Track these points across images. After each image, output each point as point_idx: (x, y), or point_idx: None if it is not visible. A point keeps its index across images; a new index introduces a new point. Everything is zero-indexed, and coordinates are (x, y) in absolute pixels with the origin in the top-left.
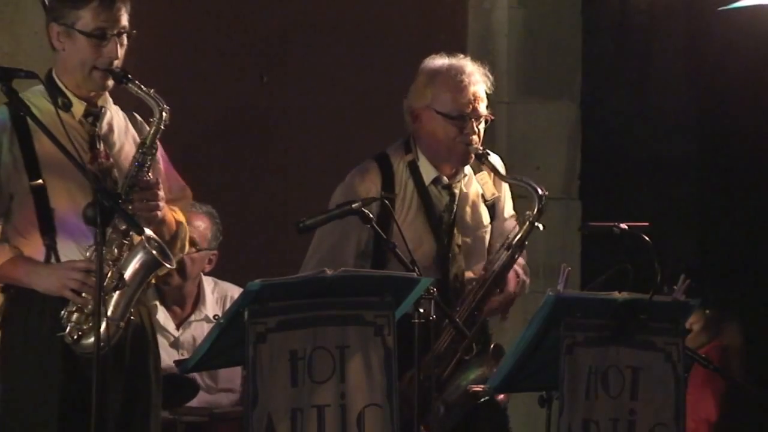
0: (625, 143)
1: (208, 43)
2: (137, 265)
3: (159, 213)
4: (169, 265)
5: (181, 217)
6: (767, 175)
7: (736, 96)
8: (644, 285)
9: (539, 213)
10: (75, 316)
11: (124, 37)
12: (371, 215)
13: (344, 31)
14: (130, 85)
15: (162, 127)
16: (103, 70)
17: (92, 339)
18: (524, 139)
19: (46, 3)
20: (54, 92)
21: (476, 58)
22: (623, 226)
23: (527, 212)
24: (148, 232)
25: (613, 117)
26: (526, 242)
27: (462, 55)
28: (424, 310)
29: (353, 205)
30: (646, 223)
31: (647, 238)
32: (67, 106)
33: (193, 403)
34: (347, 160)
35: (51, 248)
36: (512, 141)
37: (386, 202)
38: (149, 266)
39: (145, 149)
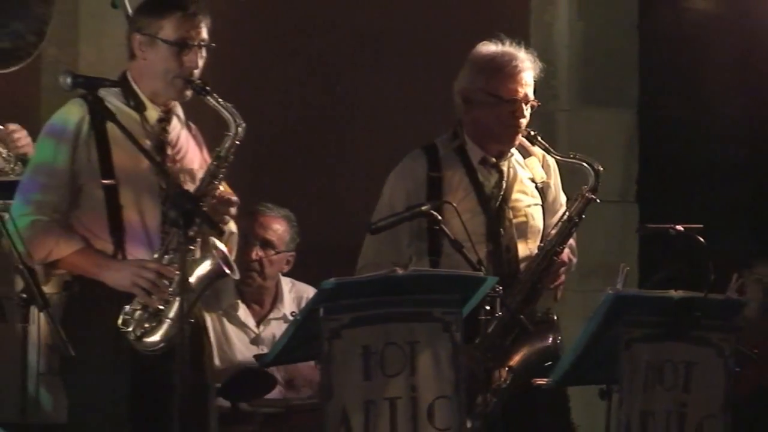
0: (680, 148)
1: (284, 47)
2: (203, 272)
3: (226, 217)
4: (233, 275)
5: (231, 226)
6: None
7: None
8: (698, 284)
9: (595, 186)
10: (138, 313)
11: (204, 50)
12: (440, 217)
13: (410, 42)
14: (208, 97)
15: (237, 142)
16: (184, 80)
17: (154, 337)
18: (584, 145)
19: (130, 14)
20: (129, 96)
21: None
22: (678, 227)
23: (583, 186)
24: (214, 240)
25: (668, 123)
26: (584, 215)
27: (511, 42)
28: (491, 308)
29: (423, 207)
30: (700, 225)
31: (701, 239)
32: (141, 110)
33: (271, 395)
34: None
35: (119, 246)
36: (573, 146)
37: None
38: (214, 274)
39: (219, 162)
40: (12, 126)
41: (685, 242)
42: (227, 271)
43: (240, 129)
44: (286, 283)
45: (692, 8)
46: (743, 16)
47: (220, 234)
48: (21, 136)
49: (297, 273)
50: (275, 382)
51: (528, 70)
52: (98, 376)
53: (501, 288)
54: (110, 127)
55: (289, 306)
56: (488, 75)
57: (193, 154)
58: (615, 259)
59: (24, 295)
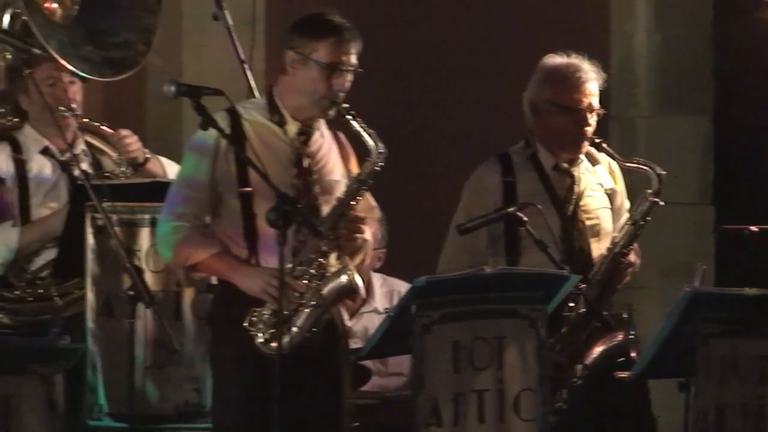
0: (754, 153)
1: (378, 55)
2: (334, 287)
3: (359, 238)
4: (362, 294)
5: (367, 234)
6: None
7: None
8: None
9: (658, 190)
10: (266, 317)
11: (352, 74)
12: (525, 218)
13: (493, 53)
14: (354, 122)
15: (377, 168)
16: (330, 100)
17: (277, 344)
18: (662, 150)
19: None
20: (273, 110)
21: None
22: (753, 228)
23: (647, 190)
24: (348, 261)
25: (742, 129)
26: (648, 217)
27: (576, 54)
28: (574, 305)
29: (509, 209)
30: None
31: None
32: (282, 124)
33: (366, 387)
34: None
35: (252, 252)
36: (651, 152)
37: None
38: (344, 291)
39: (359, 184)
40: (123, 131)
41: (759, 242)
42: (356, 290)
43: (381, 154)
44: (377, 278)
45: (765, 19)
46: None
47: (317, 235)
48: (132, 141)
49: (386, 269)
50: (370, 375)
51: (592, 80)
52: (237, 373)
53: (583, 285)
54: (247, 138)
55: (380, 300)
56: (554, 86)
57: (333, 166)
58: (692, 258)
59: (131, 293)
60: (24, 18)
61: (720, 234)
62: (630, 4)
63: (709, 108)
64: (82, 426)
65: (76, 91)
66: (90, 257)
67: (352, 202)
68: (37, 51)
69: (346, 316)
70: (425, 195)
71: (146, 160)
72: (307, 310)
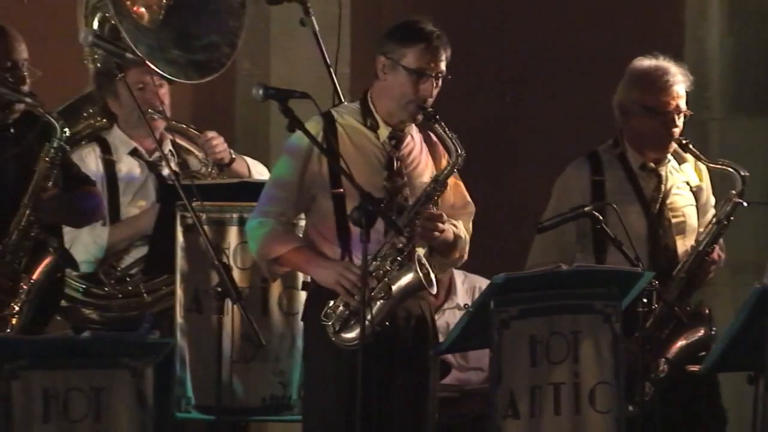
0: None
1: (465, 63)
2: (404, 283)
3: (439, 236)
4: (432, 291)
5: (460, 231)
6: None
7: None
8: None
9: (742, 191)
10: (339, 310)
11: (440, 80)
12: (601, 217)
13: (572, 57)
14: (437, 125)
15: (456, 170)
16: (417, 105)
17: (351, 334)
18: (734, 151)
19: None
20: (366, 114)
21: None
22: None
23: (731, 191)
24: (420, 255)
25: None
26: (732, 217)
27: (665, 57)
28: (647, 301)
29: (585, 208)
30: None
31: None
32: (374, 128)
33: (446, 380)
34: None
35: (345, 250)
36: (723, 152)
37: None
38: (415, 287)
39: (436, 185)
40: (210, 133)
41: None
42: (426, 286)
43: (460, 159)
44: (458, 275)
45: None
46: None
47: (399, 233)
48: (218, 142)
49: (469, 266)
50: (450, 369)
51: (680, 83)
52: (328, 366)
53: (657, 282)
54: (341, 141)
55: (462, 296)
56: (642, 88)
57: (423, 168)
58: (763, 256)
59: (219, 289)
60: (113, 22)
61: None
62: (704, 9)
63: None
64: (171, 418)
65: (164, 93)
66: (180, 255)
67: (429, 203)
68: (129, 55)
69: None
70: (510, 192)
71: (232, 160)
72: (378, 304)
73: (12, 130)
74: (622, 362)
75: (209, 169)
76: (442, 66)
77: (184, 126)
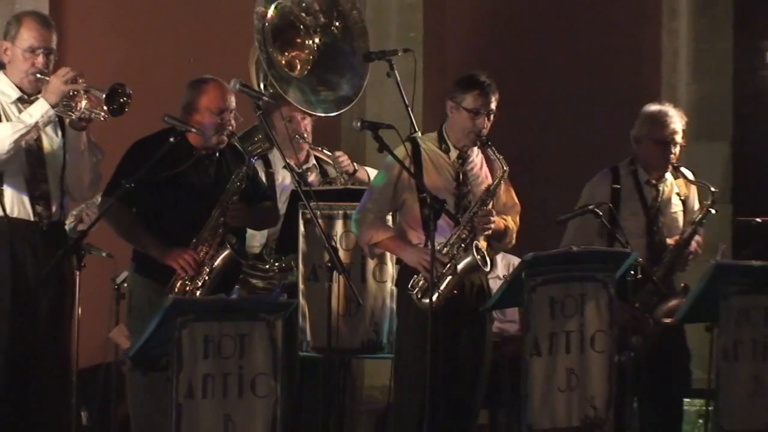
0: (761, 165)
1: (521, 92)
2: (465, 264)
3: (491, 228)
4: (486, 269)
5: (510, 223)
6: None
7: None
8: None
9: (713, 202)
10: (420, 282)
11: (491, 116)
12: (601, 213)
13: (582, 103)
14: (489, 149)
15: (501, 182)
16: (475, 134)
17: (427, 301)
18: (698, 167)
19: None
20: (441, 140)
21: None
22: (758, 219)
23: (705, 202)
24: (477, 244)
25: (755, 150)
26: (704, 221)
27: (669, 104)
28: (634, 273)
29: (589, 207)
30: None
31: None
32: (447, 150)
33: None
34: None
35: (429, 238)
36: (690, 169)
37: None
38: (473, 267)
39: (488, 192)
40: (338, 152)
41: (764, 229)
42: (482, 266)
43: (505, 173)
44: (501, 256)
45: None
46: None
47: (457, 223)
48: (344, 159)
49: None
50: (492, 321)
51: (677, 123)
52: (413, 318)
53: (641, 260)
54: (424, 159)
55: (501, 269)
56: (650, 126)
57: (482, 180)
58: (718, 241)
59: (329, 264)
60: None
61: (736, 223)
62: (675, 64)
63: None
64: (294, 356)
65: (307, 124)
66: (301, 240)
67: (483, 206)
68: (265, 98)
69: None
70: (542, 193)
71: (355, 170)
72: (447, 279)
73: (217, 155)
74: (615, 317)
75: (341, 177)
76: (492, 106)
77: (320, 148)
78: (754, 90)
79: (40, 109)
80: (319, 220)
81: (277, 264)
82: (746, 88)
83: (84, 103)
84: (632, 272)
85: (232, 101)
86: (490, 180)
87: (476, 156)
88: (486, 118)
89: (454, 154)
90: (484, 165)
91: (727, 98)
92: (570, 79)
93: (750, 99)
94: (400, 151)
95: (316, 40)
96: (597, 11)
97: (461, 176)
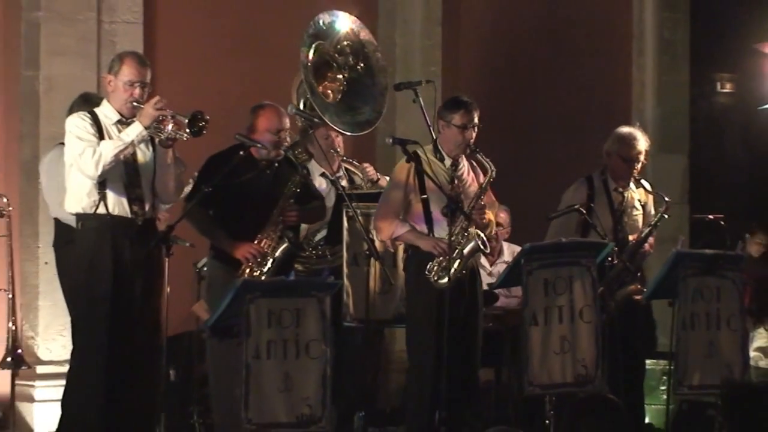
0: (711, 173)
1: (495, 117)
2: (469, 249)
3: (486, 219)
4: (486, 250)
5: (491, 216)
6: None
7: None
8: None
9: (666, 209)
10: (436, 267)
11: (476, 128)
12: (584, 211)
13: (561, 121)
14: (478, 155)
15: (491, 180)
16: (465, 145)
17: (443, 281)
18: (661, 175)
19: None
20: (436, 151)
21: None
22: (710, 216)
23: (659, 208)
24: (477, 231)
25: (707, 160)
26: (658, 225)
27: (637, 127)
28: (610, 260)
29: (575, 206)
30: (722, 215)
31: (722, 222)
32: (441, 159)
33: (497, 304)
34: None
35: (430, 230)
36: (656, 176)
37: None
38: (475, 250)
39: (481, 192)
40: (365, 164)
41: (715, 224)
42: (483, 249)
43: (493, 173)
44: (506, 245)
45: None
46: None
47: (467, 218)
48: (370, 169)
49: (511, 239)
50: (497, 297)
51: (642, 143)
52: (422, 296)
53: (617, 249)
54: (425, 167)
55: (506, 256)
56: (620, 145)
57: (470, 182)
58: (677, 234)
59: (367, 252)
60: (309, 101)
61: (692, 220)
62: (643, 91)
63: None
64: (340, 325)
65: (339, 141)
66: (345, 233)
67: (480, 201)
68: (316, 120)
69: (488, 264)
70: (537, 196)
71: (378, 178)
72: (457, 261)
73: (276, 165)
74: (596, 294)
75: (365, 185)
76: (476, 120)
77: (351, 160)
78: (706, 113)
79: (135, 130)
80: (359, 218)
81: (314, 251)
82: (700, 111)
83: (170, 126)
84: (609, 259)
85: (287, 122)
86: (476, 182)
87: (464, 163)
88: (472, 131)
89: (448, 162)
90: (470, 170)
91: (684, 119)
92: (558, 103)
93: (703, 120)
94: (404, 165)
95: (345, 75)
96: (580, 50)
97: (454, 180)
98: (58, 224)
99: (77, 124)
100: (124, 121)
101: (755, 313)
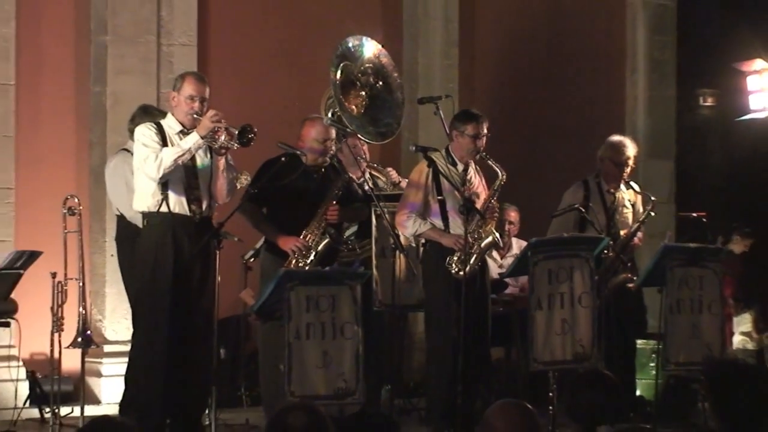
0: (695, 178)
1: (501, 125)
2: (486, 243)
3: (496, 217)
4: (500, 245)
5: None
6: None
7: None
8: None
9: (653, 207)
10: (455, 259)
11: (485, 137)
12: (583, 210)
13: (564, 129)
14: (488, 161)
15: (502, 183)
16: (475, 151)
17: (462, 272)
18: (651, 178)
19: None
20: (448, 156)
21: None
22: (693, 214)
23: (647, 207)
24: (491, 228)
25: (693, 167)
26: (646, 221)
27: (627, 136)
28: (606, 252)
29: (575, 205)
30: (704, 213)
31: (704, 219)
32: (453, 164)
33: (507, 291)
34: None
35: (447, 227)
36: (646, 179)
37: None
38: (491, 246)
39: (493, 193)
40: (389, 168)
41: (699, 221)
42: (498, 243)
43: (503, 177)
44: (515, 240)
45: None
46: None
47: (483, 217)
48: (393, 173)
49: (520, 234)
50: (507, 285)
51: (632, 149)
52: (440, 285)
53: (612, 242)
54: (440, 171)
55: (515, 250)
56: (612, 151)
57: (478, 185)
58: (665, 230)
59: (393, 245)
60: (338, 113)
61: (678, 217)
62: (635, 103)
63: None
64: (370, 310)
65: (365, 148)
66: (373, 229)
67: (491, 201)
68: (349, 130)
69: (498, 257)
70: (541, 197)
71: (400, 181)
72: (474, 255)
73: (323, 170)
74: (594, 282)
75: (388, 187)
76: (485, 129)
77: (375, 165)
78: (691, 123)
79: (192, 139)
80: (386, 216)
81: (345, 246)
82: (685, 123)
83: (223, 136)
84: (605, 251)
85: (332, 133)
86: (483, 185)
87: (473, 168)
88: (482, 140)
89: (460, 167)
90: (476, 174)
91: (671, 129)
92: (560, 115)
93: (688, 130)
94: (424, 168)
95: (367, 92)
96: (580, 68)
97: (466, 182)
98: (120, 221)
99: (144, 133)
100: (185, 132)
101: (742, 299)
